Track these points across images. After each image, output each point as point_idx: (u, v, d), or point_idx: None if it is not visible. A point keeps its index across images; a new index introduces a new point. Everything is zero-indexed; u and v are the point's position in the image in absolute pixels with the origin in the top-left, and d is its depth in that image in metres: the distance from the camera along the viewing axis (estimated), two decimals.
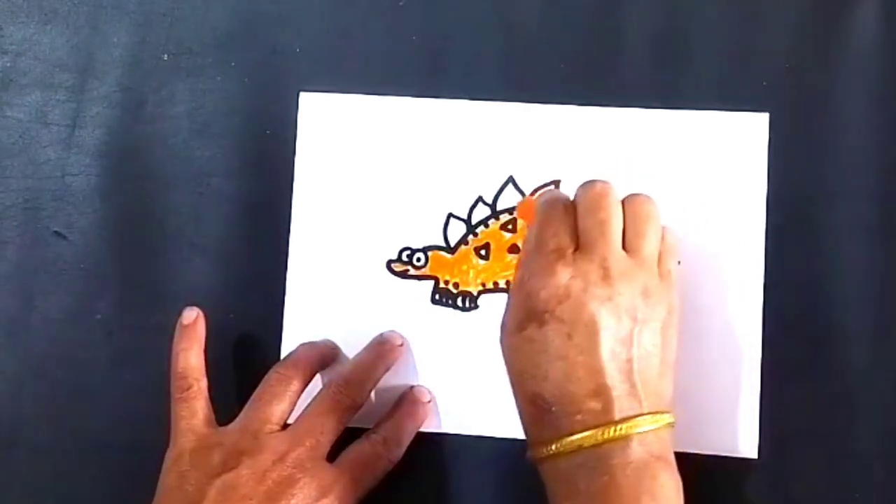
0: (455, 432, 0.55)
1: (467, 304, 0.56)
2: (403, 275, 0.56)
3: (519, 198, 0.56)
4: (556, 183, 0.56)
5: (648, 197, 0.50)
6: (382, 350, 0.55)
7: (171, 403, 0.52)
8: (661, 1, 0.57)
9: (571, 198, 0.50)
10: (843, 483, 0.53)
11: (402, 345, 0.55)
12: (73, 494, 0.57)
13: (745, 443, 0.54)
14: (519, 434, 0.54)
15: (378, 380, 0.54)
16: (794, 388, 0.54)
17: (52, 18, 0.59)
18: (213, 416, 0.52)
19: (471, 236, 0.57)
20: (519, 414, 0.49)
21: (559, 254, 0.48)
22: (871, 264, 0.54)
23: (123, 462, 0.56)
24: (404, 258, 0.57)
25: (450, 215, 0.57)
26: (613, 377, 0.46)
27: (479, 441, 0.55)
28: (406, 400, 0.55)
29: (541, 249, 0.49)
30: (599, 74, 0.56)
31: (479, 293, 0.56)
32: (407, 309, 0.56)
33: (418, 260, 0.56)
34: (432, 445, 0.55)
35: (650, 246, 0.49)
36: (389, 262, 0.57)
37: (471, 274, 0.56)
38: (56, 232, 0.58)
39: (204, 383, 0.53)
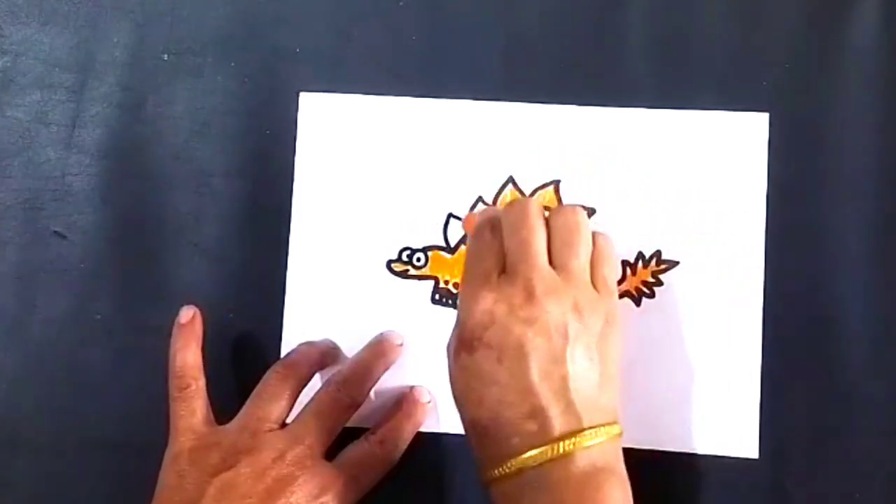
0: (455, 432, 0.55)
1: None
2: (403, 275, 0.56)
3: (519, 198, 0.56)
4: (556, 183, 0.56)
5: (574, 207, 0.49)
6: (382, 349, 0.55)
7: (170, 403, 0.52)
8: (661, 1, 0.57)
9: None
10: (843, 483, 0.53)
11: (401, 344, 0.55)
12: (74, 494, 0.57)
13: (745, 443, 0.53)
14: None
15: (377, 379, 0.54)
16: (794, 388, 0.54)
17: (52, 18, 0.59)
18: (211, 415, 0.52)
19: None
20: (466, 439, 0.48)
21: (485, 279, 0.48)
22: (871, 264, 0.54)
23: (123, 461, 0.56)
24: (404, 258, 0.56)
25: (450, 215, 0.57)
26: (548, 397, 0.45)
27: None
28: (405, 400, 0.55)
29: (469, 276, 0.49)
30: (599, 74, 0.56)
31: None
32: (407, 309, 0.56)
33: (418, 260, 0.56)
34: (432, 445, 0.55)
35: (579, 258, 0.48)
36: (389, 262, 0.57)
37: None
38: (56, 232, 0.58)
39: (202, 382, 0.53)
